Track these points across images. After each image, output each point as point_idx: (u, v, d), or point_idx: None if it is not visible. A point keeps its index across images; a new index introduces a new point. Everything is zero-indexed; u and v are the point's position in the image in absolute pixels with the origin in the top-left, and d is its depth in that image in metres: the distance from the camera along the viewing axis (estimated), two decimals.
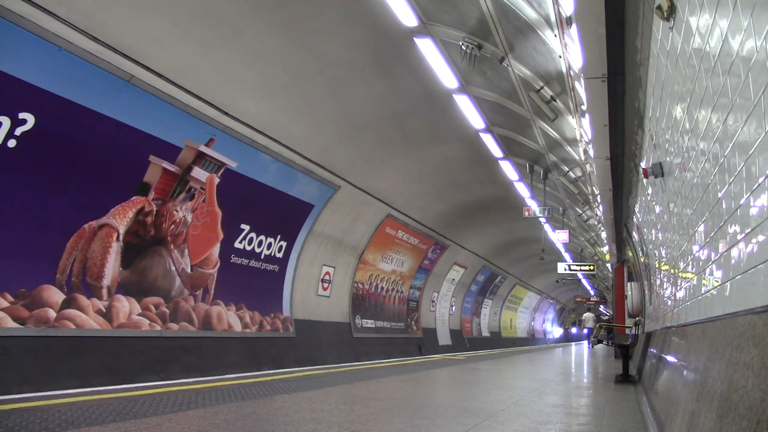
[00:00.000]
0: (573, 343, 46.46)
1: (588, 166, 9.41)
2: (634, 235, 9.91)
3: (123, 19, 6.42)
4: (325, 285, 13.45)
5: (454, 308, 23.77)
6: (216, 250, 9.69)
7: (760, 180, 1.91)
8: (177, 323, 8.76)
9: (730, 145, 2.31)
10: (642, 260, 9.92)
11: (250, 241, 10.48)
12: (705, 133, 2.81)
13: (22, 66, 5.94)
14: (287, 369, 9.52)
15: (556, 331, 56.77)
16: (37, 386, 6.06)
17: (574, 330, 62.01)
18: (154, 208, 8.27)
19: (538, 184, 13.55)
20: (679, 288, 4.78)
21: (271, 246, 11.11)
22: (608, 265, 20.32)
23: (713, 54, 2.45)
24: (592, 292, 41.14)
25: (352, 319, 14.74)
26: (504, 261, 26.66)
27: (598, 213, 11.88)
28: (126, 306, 7.90)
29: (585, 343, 40.61)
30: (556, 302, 48.41)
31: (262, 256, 10.93)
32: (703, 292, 3.29)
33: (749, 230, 2.10)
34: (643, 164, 5.86)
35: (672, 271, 5.28)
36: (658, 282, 7.56)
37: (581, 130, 7.92)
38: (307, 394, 5.88)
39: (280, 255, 11.45)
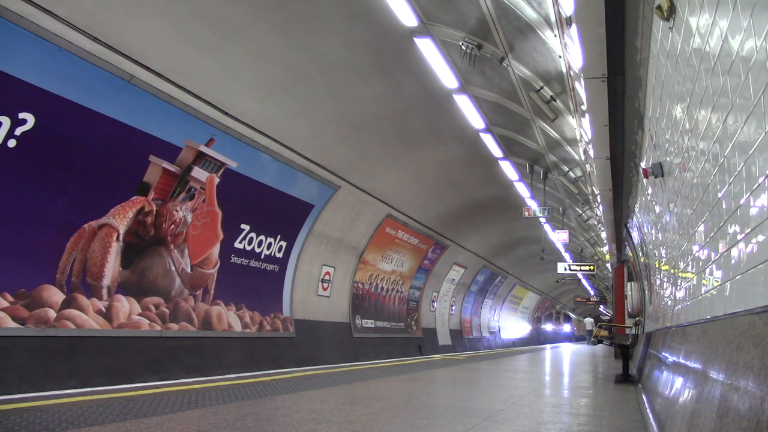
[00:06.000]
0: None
1: (588, 166, 9.41)
2: (634, 235, 9.91)
3: (123, 19, 6.42)
4: (325, 285, 13.45)
5: (454, 308, 23.76)
6: (216, 250, 9.69)
7: (760, 180, 1.91)
8: (177, 323, 8.76)
9: (730, 145, 2.31)
10: (642, 260, 9.91)
11: (250, 241, 10.48)
12: (705, 133, 2.81)
13: (22, 66, 5.95)
14: (287, 369, 9.51)
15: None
16: (37, 386, 6.06)
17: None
18: (154, 208, 8.27)
19: (538, 184, 13.55)
20: (679, 288, 4.78)
21: (271, 246, 11.11)
22: (608, 265, 20.31)
23: (713, 54, 2.45)
24: (592, 292, 41.08)
25: (352, 319, 14.74)
26: (504, 261, 26.66)
27: (598, 213, 11.88)
28: (126, 306, 7.90)
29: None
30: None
31: (262, 256, 10.93)
32: (703, 292, 3.29)
33: (749, 230, 2.10)
34: (643, 164, 5.86)
35: (672, 271, 5.28)
36: (658, 282, 7.56)
37: (581, 130, 7.92)
38: (307, 394, 5.88)
39: (280, 255, 11.44)
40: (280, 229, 11.24)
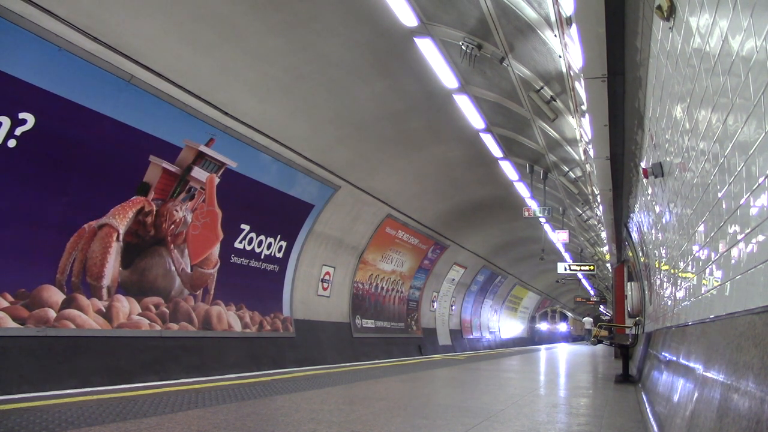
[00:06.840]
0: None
1: (588, 166, 9.41)
2: (634, 235, 9.91)
3: (123, 19, 6.42)
4: (325, 285, 13.45)
5: (454, 308, 23.76)
6: (216, 250, 9.69)
7: (760, 180, 1.91)
8: (177, 323, 8.76)
9: (730, 145, 2.31)
10: (642, 260, 9.92)
11: (250, 241, 10.48)
12: (705, 133, 2.81)
13: (22, 66, 5.95)
14: (287, 369, 9.51)
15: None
16: (37, 386, 6.06)
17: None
18: (154, 208, 8.27)
19: (538, 184, 13.55)
20: (679, 288, 4.78)
21: (271, 246, 11.11)
22: (608, 265, 20.31)
23: (713, 54, 2.45)
24: (592, 292, 41.05)
25: (352, 319, 14.74)
26: (504, 261, 26.66)
27: (598, 213, 11.88)
28: (126, 306, 7.90)
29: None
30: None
31: (262, 256, 10.93)
32: (703, 292, 3.29)
33: (749, 230, 2.10)
34: (643, 164, 5.86)
35: (672, 271, 5.28)
36: (658, 282, 7.56)
37: (581, 130, 7.92)
38: (307, 394, 5.88)
39: (280, 255, 11.44)
40: (280, 229, 11.24)
